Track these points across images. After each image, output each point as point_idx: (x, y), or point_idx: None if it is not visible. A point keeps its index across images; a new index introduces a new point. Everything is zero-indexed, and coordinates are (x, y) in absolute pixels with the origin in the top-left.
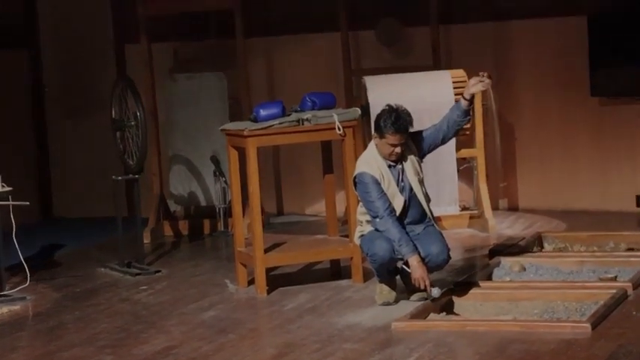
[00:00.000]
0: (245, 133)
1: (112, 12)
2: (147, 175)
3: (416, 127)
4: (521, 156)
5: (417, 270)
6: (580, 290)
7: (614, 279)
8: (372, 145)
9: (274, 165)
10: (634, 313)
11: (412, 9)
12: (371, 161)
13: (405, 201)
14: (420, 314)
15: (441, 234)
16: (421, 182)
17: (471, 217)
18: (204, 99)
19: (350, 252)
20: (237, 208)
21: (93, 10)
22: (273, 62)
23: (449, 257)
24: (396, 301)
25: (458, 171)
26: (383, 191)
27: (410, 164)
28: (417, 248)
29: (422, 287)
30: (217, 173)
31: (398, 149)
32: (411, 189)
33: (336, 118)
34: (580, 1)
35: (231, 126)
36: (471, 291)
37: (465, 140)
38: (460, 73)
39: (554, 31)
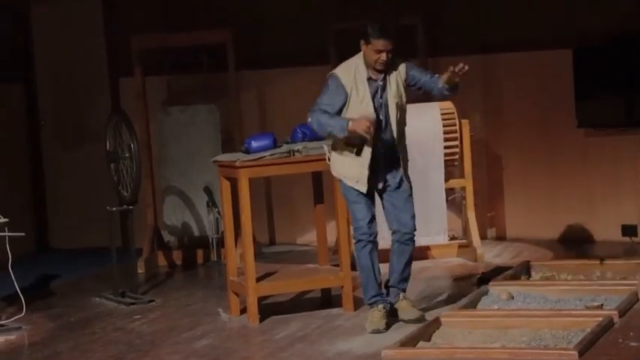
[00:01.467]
0: (237, 164)
1: (107, 46)
2: (141, 206)
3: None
4: (508, 186)
5: (359, 125)
6: (567, 318)
7: (601, 307)
8: (359, 55)
9: (266, 195)
10: (620, 340)
11: (401, 41)
12: (351, 69)
13: (381, 120)
14: (410, 342)
15: (410, 197)
16: (399, 107)
17: (460, 247)
18: (197, 131)
19: (341, 281)
20: (229, 238)
21: (88, 44)
22: (264, 94)
23: (414, 226)
24: (387, 328)
25: (447, 201)
26: (337, 103)
27: (394, 86)
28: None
29: (368, 132)
30: (210, 204)
31: (384, 56)
32: (388, 110)
33: (326, 149)
34: (566, 35)
35: (224, 157)
36: (460, 319)
37: (454, 170)
38: (448, 104)
39: (541, 64)
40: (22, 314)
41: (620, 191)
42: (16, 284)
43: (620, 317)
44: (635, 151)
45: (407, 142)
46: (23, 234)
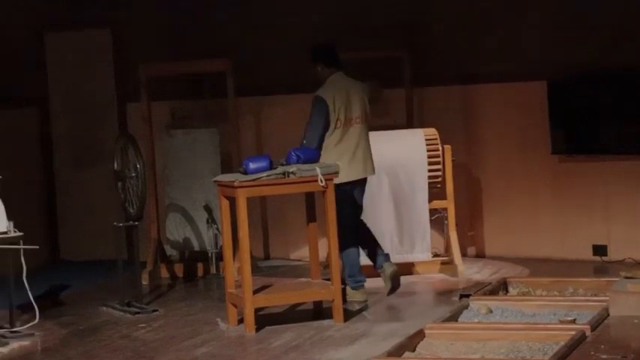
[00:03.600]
0: (236, 184)
1: (115, 74)
2: (145, 221)
3: (392, 181)
4: (487, 207)
5: None
6: (542, 332)
7: (574, 321)
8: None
9: (262, 213)
10: (592, 353)
11: (389, 72)
12: None
13: None
14: (396, 352)
15: None
16: None
17: (442, 263)
18: (199, 152)
19: (331, 294)
20: (227, 252)
21: (98, 71)
22: (261, 119)
23: None
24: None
25: (430, 220)
26: None
27: None
28: None
29: None
30: (210, 221)
31: None
32: None
33: (318, 171)
34: (540, 68)
35: (223, 177)
36: (443, 331)
37: (437, 192)
38: (432, 131)
39: (518, 94)
40: (36, 322)
41: (591, 213)
42: (30, 294)
43: (591, 331)
44: (604, 175)
45: (393, 165)
46: (37, 247)
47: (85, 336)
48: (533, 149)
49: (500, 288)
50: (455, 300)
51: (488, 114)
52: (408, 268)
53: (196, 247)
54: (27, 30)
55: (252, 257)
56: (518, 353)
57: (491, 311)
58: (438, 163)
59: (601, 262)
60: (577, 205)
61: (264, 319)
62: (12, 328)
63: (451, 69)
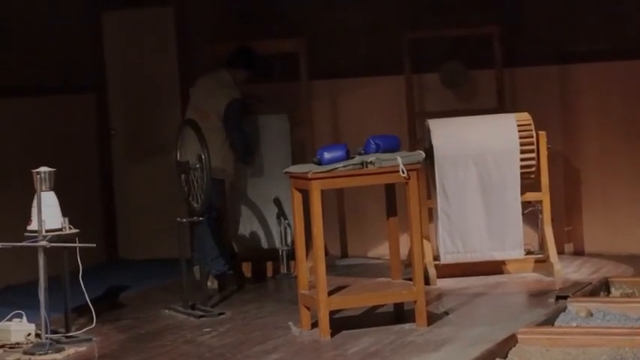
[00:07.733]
0: (309, 175)
1: (178, 55)
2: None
3: (480, 170)
4: (586, 200)
5: None
6: None
7: None
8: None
9: (338, 207)
10: None
11: (476, 52)
12: None
13: None
14: (486, 358)
15: None
16: None
17: (536, 262)
18: (268, 141)
19: (414, 296)
20: (300, 250)
21: (159, 54)
22: (336, 104)
23: None
24: None
25: (523, 214)
26: None
27: None
28: None
29: None
30: (280, 215)
31: None
32: None
33: (400, 161)
34: None
35: (295, 168)
36: (537, 336)
37: (530, 183)
38: (525, 116)
39: (622, 75)
40: (93, 325)
41: None
42: (87, 295)
43: None
44: None
45: (482, 153)
46: (94, 245)
47: (146, 341)
48: (638, 136)
49: (601, 289)
50: (551, 302)
51: (589, 97)
52: (497, 267)
53: (265, 244)
54: (81, 9)
55: (326, 255)
56: None
57: (591, 314)
58: (531, 151)
59: None
60: None
61: (341, 323)
62: (67, 332)
63: (546, 46)
